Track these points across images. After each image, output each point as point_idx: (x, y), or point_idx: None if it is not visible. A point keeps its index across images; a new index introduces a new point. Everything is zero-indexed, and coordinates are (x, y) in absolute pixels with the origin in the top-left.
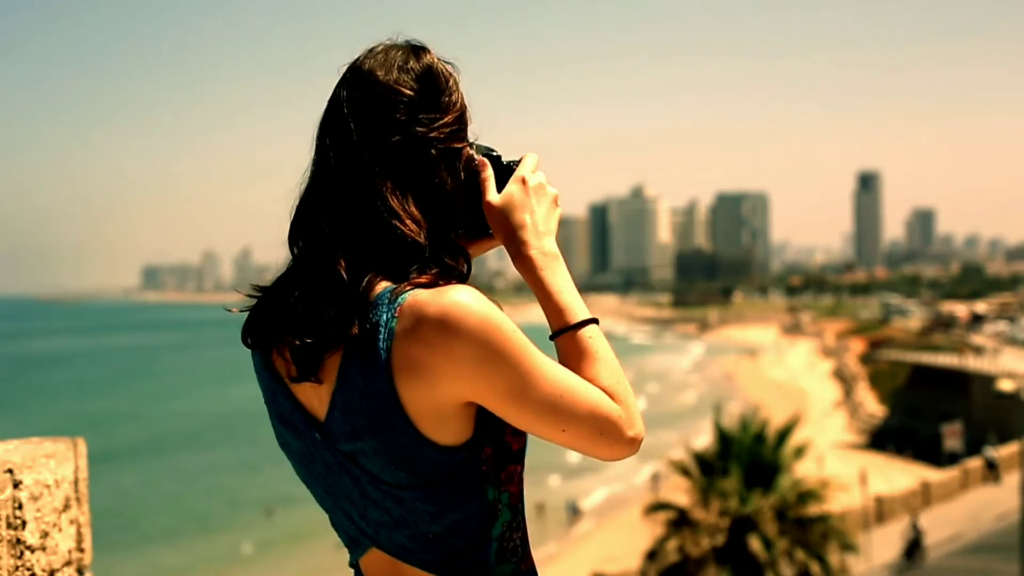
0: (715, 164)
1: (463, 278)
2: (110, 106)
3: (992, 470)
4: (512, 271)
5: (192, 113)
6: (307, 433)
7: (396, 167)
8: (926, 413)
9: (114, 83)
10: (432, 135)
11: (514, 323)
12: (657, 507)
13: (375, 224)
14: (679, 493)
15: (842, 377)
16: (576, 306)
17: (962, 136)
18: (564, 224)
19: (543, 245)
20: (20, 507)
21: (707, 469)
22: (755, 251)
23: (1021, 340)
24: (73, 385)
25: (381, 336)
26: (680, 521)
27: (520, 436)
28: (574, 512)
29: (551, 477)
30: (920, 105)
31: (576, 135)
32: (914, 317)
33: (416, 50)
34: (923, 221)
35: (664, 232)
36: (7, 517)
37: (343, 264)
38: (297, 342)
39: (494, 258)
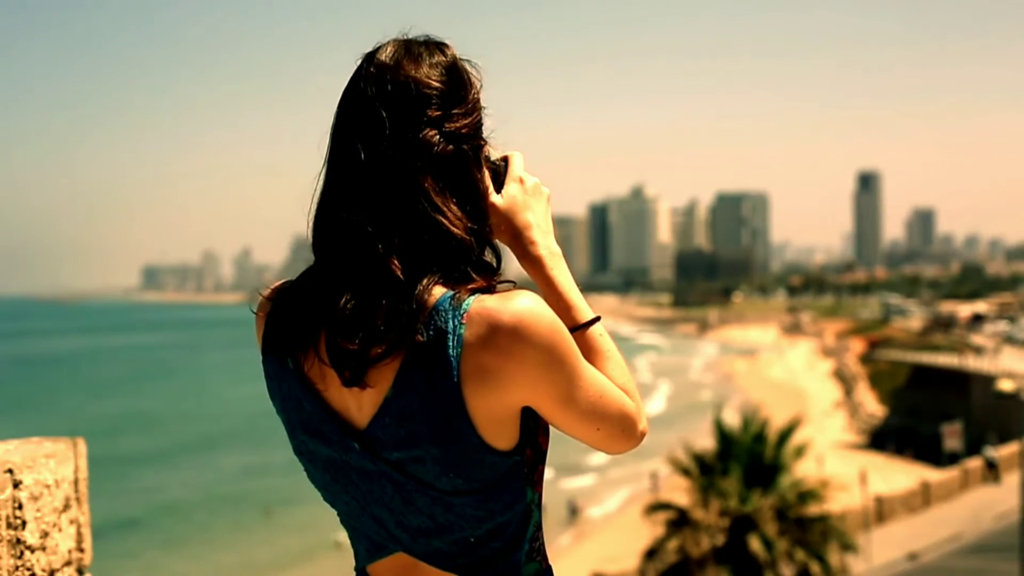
0: (715, 164)
1: (497, 272)
2: (110, 106)
3: (992, 470)
4: (512, 271)
5: (192, 113)
6: (341, 441)
7: (434, 164)
8: (926, 413)
9: (114, 83)
10: (464, 131)
11: None
12: (657, 507)
13: (420, 222)
14: (679, 493)
15: (842, 377)
16: (583, 305)
17: (962, 136)
18: (564, 224)
19: (549, 244)
20: (20, 507)
21: (707, 469)
22: (755, 251)
23: (1021, 340)
24: (73, 385)
25: (451, 344)
26: (680, 521)
27: (548, 436)
28: (574, 512)
29: (552, 477)
30: (920, 105)
31: (576, 135)
32: (914, 317)
33: (439, 45)
34: (923, 221)
35: (664, 232)
36: (7, 517)
37: (396, 264)
38: (352, 347)
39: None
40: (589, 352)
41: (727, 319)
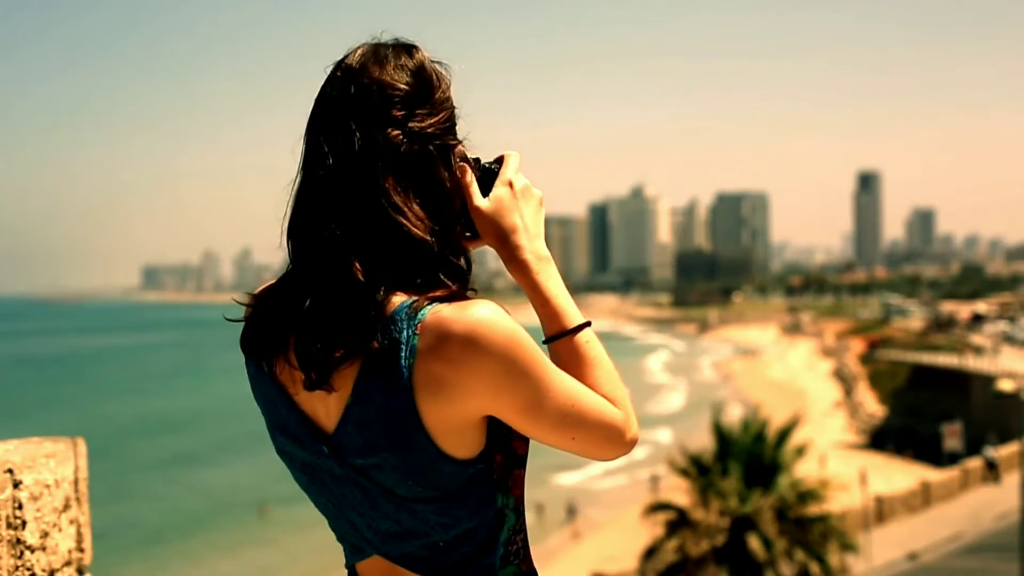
0: (715, 164)
1: (466, 278)
2: (110, 106)
3: (992, 470)
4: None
5: (192, 113)
6: (313, 445)
7: (396, 164)
8: (926, 413)
9: (114, 83)
10: (429, 131)
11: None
12: (657, 507)
13: (381, 223)
14: (679, 493)
15: (842, 377)
16: (571, 310)
17: (962, 136)
18: (564, 224)
19: (536, 248)
20: (20, 507)
21: (706, 469)
22: (755, 251)
23: (1021, 340)
24: (73, 385)
25: (403, 354)
26: (680, 521)
27: (526, 441)
28: (574, 512)
29: (551, 477)
30: (920, 105)
31: (576, 135)
32: (914, 317)
33: (407, 48)
34: (923, 221)
35: (664, 232)
36: (7, 517)
37: (358, 267)
38: (314, 349)
39: (493, 258)
40: (574, 359)
41: (727, 319)
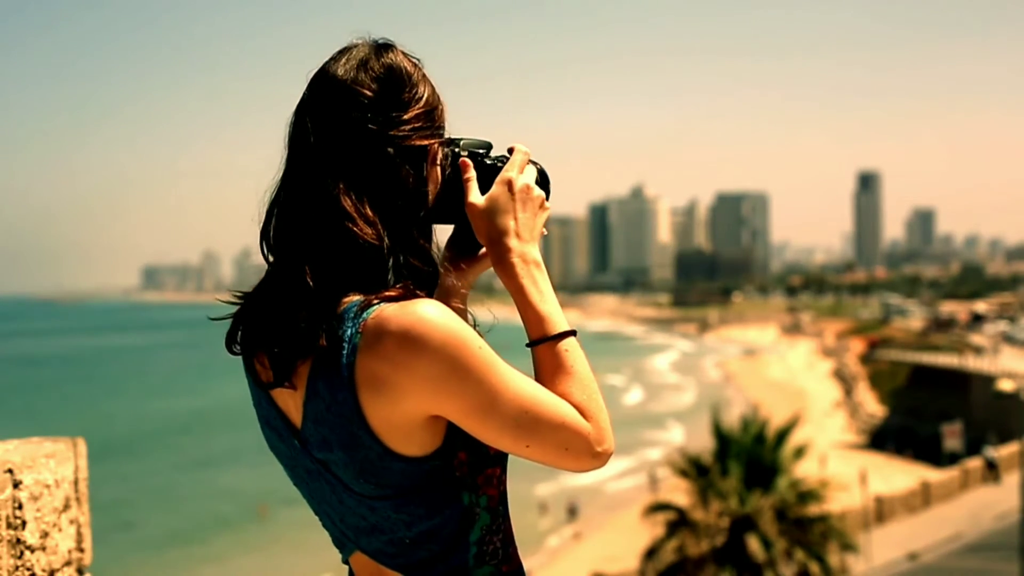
0: (715, 164)
1: (432, 281)
2: (110, 106)
3: (992, 470)
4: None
5: (192, 113)
6: (288, 439)
7: (349, 168)
8: (926, 413)
9: (114, 83)
10: (391, 132)
11: (481, 338)
12: (657, 507)
13: (331, 228)
14: (679, 493)
15: (842, 377)
16: (555, 316)
17: (962, 136)
18: (564, 224)
19: (525, 251)
20: (20, 507)
21: (706, 469)
22: (755, 251)
23: (1021, 340)
24: (73, 385)
25: (345, 351)
26: (680, 521)
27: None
28: (575, 512)
29: (551, 477)
30: (920, 105)
31: (576, 135)
32: (914, 317)
33: (379, 48)
34: (923, 221)
35: (664, 232)
36: (7, 517)
37: (308, 272)
38: (270, 349)
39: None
40: (551, 367)
41: (727, 319)
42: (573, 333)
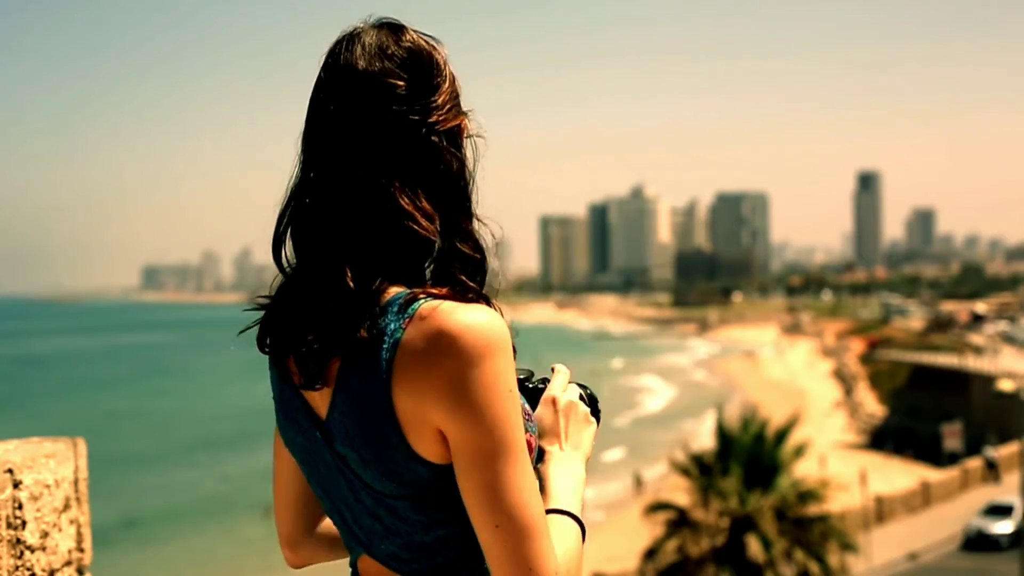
0: (715, 164)
1: (482, 268)
2: (109, 106)
3: (992, 470)
4: (512, 270)
5: (192, 113)
6: (310, 430)
7: (399, 163)
8: (926, 413)
9: (113, 83)
10: (431, 119)
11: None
12: (657, 507)
13: (388, 227)
14: (679, 493)
15: (842, 377)
16: (565, 496)
17: (962, 136)
18: (564, 224)
19: (569, 448)
20: (20, 507)
21: (707, 469)
22: (755, 251)
23: (1021, 340)
24: (73, 385)
25: (385, 345)
26: (680, 521)
27: (529, 452)
28: None
29: None
30: (920, 105)
31: (576, 135)
32: (914, 317)
33: (394, 30)
34: (923, 221)
35: (664, 232)
36: (7, 517)
37: (349, 271)
38: (303, 349)
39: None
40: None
41: (727, 319)
42: (579, 522)
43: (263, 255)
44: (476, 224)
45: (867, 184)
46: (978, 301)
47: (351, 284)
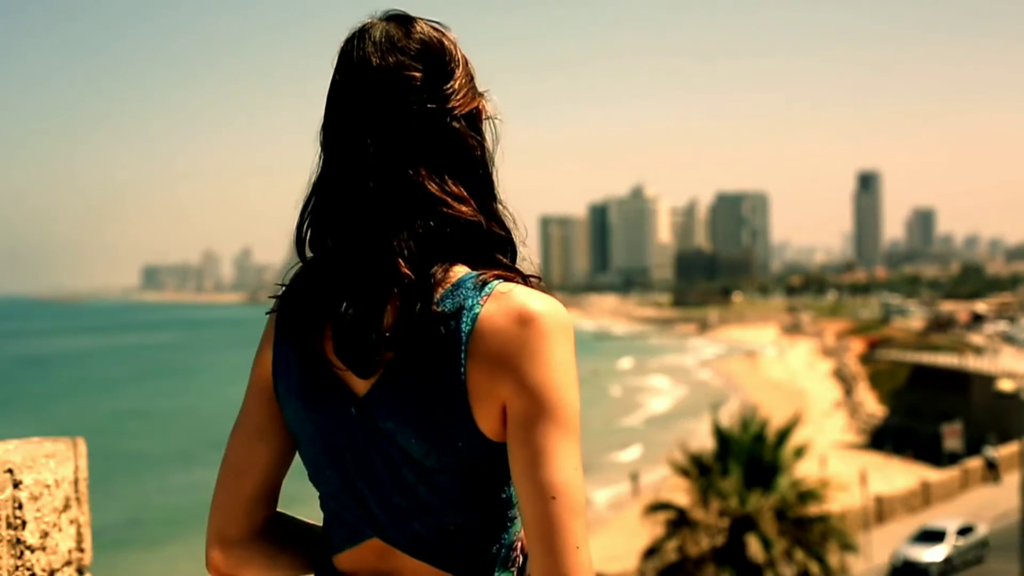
0: (715, 164)
1: (512, 247)
2: (109, 106)
3: (992, 470)
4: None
5: (191, 113)
6: (338, 406)
7: (423, 152)
8: (926, 413)
9: (113, 83)
10: (449, 106)
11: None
12: (657, 507)
13: (425, 214)
14: (679, 493)
15: (842, 377)
16: None
17: (962, 136)
18: (564, 224)
19: None
20: (20, 507)
21: (707, 469)
22: (755, 251)
23: (1021, 340)
24: (73, 385)
25: (465, 319)
26: (680, 521)
27: None
28: None
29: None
30: (920, 105)
31: (576, 135)
32: (914, 317)
33: (403, 22)
34: (923, 221)
35: (664, 232)
36: (7, 517)
37: (403, 260)
38: (362, 344)
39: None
40: None
41: (727, 319)
42: None
43: (263, 255)
44: (500, 206)
45: (867, 184)
46: (978, 301)
47: (406, 270)
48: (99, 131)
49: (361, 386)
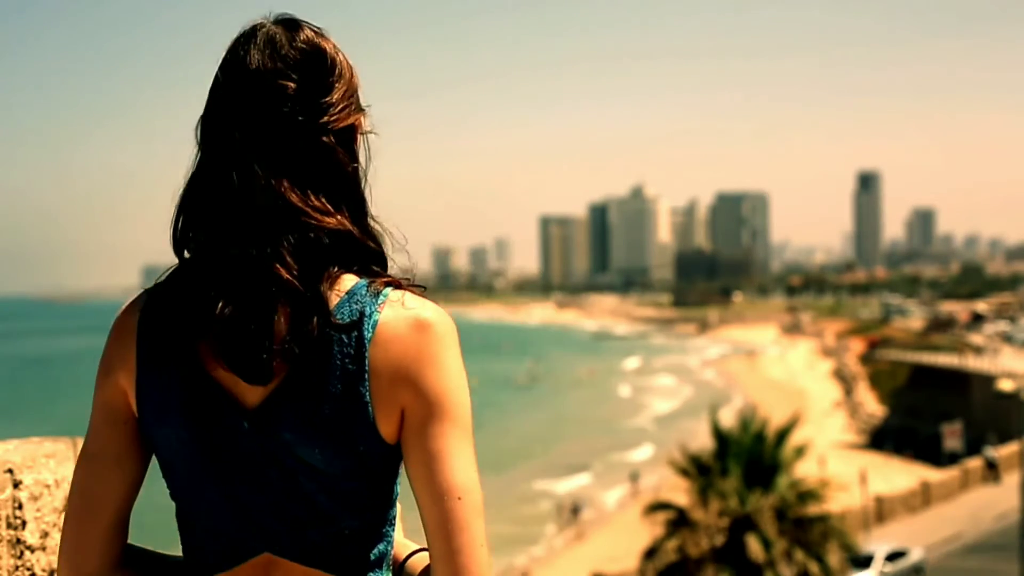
0: (715, 164)
1: (383, 261)
2: (110, 106)
3: (992, 470)
4: (512, 270)
5: (191, 113)
6: (227, 421)
7: (289, 162)
8: (926, 413)
9: (113, 83)
10: (322, 120)
11: None
12: (657, 507)
13: (289, 225)
14: (679, 493)
15: (842, 377)
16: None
17: (962, 136)
18: (564, 224)
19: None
20: (20, 507)
21: (706, 469)
22: (755, 251)
23: (1021, 340)
24: (73, 385)
25: (366, 327)
26: (679, 521)
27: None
28: (574, 512)
29: (547, 476)
30: (920, 105)
31: (576, 135)
32: (914, 317)
33: (289, 28)
34: (923, 221)
35: (664, 232)
36: (7, 517)
37: (283, 267)
38: (252, 352)
39: (494, 257)
40: None
41: (727, 319)
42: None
43: None
44: (372, 221)
45: (867, 184)
46: (978, 301)
47: (288, 276)
48: (99, 131)
49: (252, 397)
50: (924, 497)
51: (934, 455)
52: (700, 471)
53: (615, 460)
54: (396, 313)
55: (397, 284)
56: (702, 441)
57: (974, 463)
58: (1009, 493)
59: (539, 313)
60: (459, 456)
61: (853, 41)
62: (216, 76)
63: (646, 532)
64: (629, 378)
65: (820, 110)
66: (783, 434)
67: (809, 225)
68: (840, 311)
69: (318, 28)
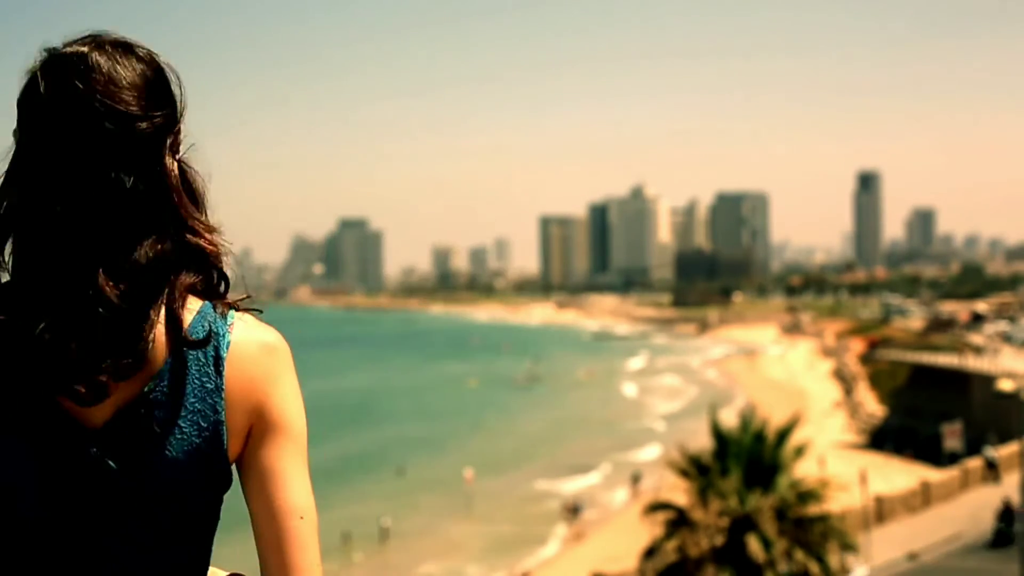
0: (715, 164)
1: (224, 279)
2: None
3: (992, 470)
4: (512, 270)
5: (191, 113)
6: (72, 445)
7: (122, 183)
8: (926, 413)
9: None
10: (156, 137)
11: None
12: (656, 507)
13: (121, 240)
14: (678, 493)
15: (842, 377)
16: None
17: (962, 136)
18: (564, 224)
19: None
20: None
21: (706, 469)
22: (755, 251)
23: (1021, 340)
24: None
25: (221, 346)
26: (679, 521)
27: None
28: (574, 512)
29: (551, 477)
30: (920, 105)
31: (576, 135)
32: (914, 317)
33: (122, 50)
34: (923, 221)
35: (664, 232)
36: None
37: (112, 286)
38: (94, 371)
39: (494, 258)
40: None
41: (727, 319)
42: None
43: (263, 255)
44: (215, 237)
45: (867, 184)
46: (978, 301)
47: (111, 293)
48: None
49: (94, 419)
50: (924, 497)
51: (934, 455)
52: (700, 471)
53: (622, 460)
54: (247, 335)
55: (236, 306)
56: (706, 441)
57: (974, 463)
58: (1009, 493)
59: (539, 313)
60: (300, 477)
61: (853, 41)
62: (45, 89)
63: (646, 532)
64: (633, 378)
65: (820, 110)
66: (783, 434)
67: (809, 225)
68: (840, 311)
69: (142, 46)
